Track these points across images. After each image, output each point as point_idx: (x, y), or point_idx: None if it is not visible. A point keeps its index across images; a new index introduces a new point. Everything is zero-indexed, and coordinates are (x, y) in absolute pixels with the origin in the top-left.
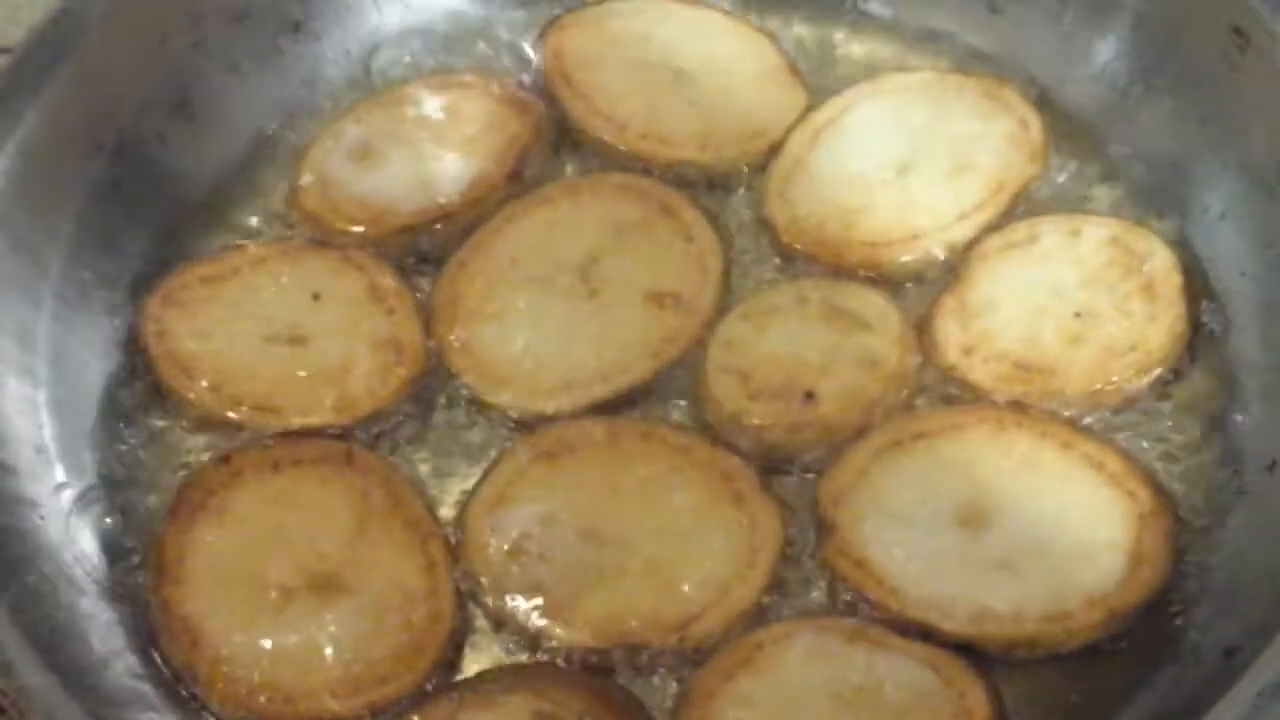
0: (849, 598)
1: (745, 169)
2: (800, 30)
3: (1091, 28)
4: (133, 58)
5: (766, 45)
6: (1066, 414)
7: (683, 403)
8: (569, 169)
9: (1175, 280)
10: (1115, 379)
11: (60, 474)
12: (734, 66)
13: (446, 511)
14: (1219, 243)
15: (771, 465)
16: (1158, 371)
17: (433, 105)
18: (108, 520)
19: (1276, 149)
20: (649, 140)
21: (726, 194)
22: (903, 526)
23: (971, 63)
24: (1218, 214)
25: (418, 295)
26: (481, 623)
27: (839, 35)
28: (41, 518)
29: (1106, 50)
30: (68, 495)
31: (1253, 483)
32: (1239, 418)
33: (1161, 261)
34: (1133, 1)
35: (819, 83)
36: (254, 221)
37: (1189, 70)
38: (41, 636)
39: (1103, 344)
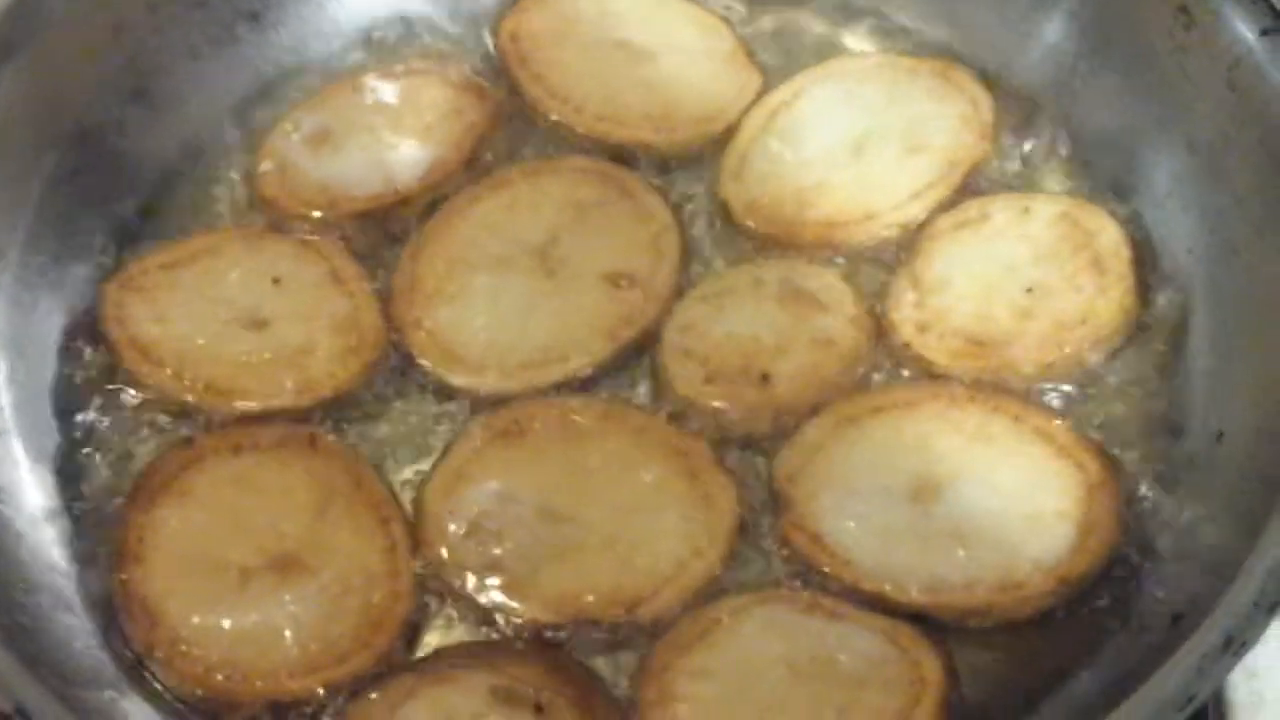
0: (804, 571)
1: (701, 151)
2: (755, 14)
3: (1039, 8)
4: (90, 46)
5: (722, 28)
6: (1019, 388)
7: (642, 383)
8: (527, 153)
9: (1124, 255)
10: (1067, 352)
11: (20, 456)
12: (690, 49)
13: (407, 492)
14: (1167, 219)
15: (728, 443)
16: (1108, 344)
17: (390, 92)
18: (69, 502)
19: (1221, 126)
20: (605, 122)
21: (683, 176)
22: (857, 500)
23: (922, 45)
24: (1165, 191)
25: (377, 279)
26: (441, 601)
27: (793, 20)
28: (0, 500)
29: (1054, 30)
30: (28, 477)
31: (1200, 454)
32: (1187, 390)
33: (1110, 237)
34: None
35: (774, 66)
36: (214, 208)
37: (1135, 49)
38: (1, 616)
39: (1054, 318)
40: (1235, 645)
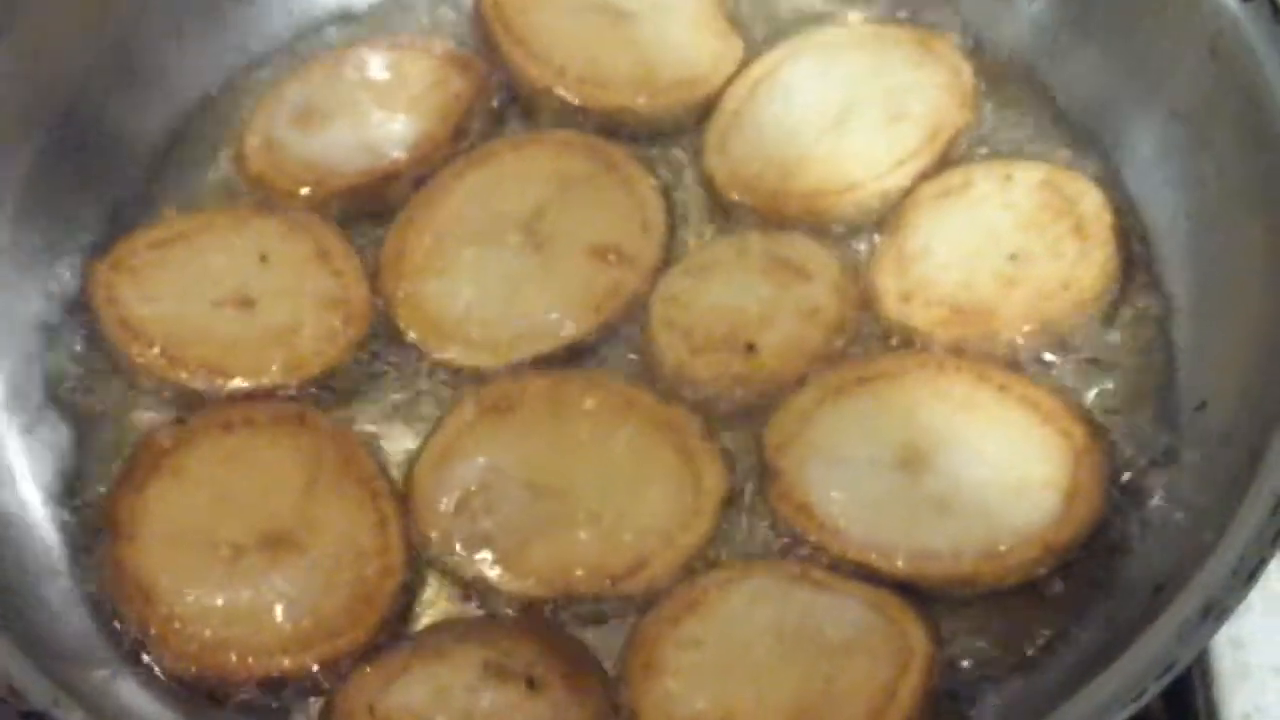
0: (792, 541)
1: (683, 122)
2: None
3: None
4: (75, 24)
5: None
6: (1004, 355)
7: (631, 356)
8: (513, 127)
9: (1106, 219)
10: (1051, 317)
11: (11, 437)
12: (672, 13)
13: (396, 468)
14: (1150, 186)
15: (716, 414)
16: (1092, 309)
17: (375, 66)
18: (59, 481)
19: (1203, 94)
20: (587, 84)
21: (666, 148)
22: (844, 470)
23: (905, 14)
24: (1148, 158)
25: (364, 255)
26: (432, 577)
27: None
28: None
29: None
30: (17, 458)
31: (1184, 422)
32: (1171, 358)
33: (1092, 201)
34: None
35: (756, 35)
36: (200, 186)
37: (1117, 17)
38: None
39: (1036, 285)
40: (1215, 613)
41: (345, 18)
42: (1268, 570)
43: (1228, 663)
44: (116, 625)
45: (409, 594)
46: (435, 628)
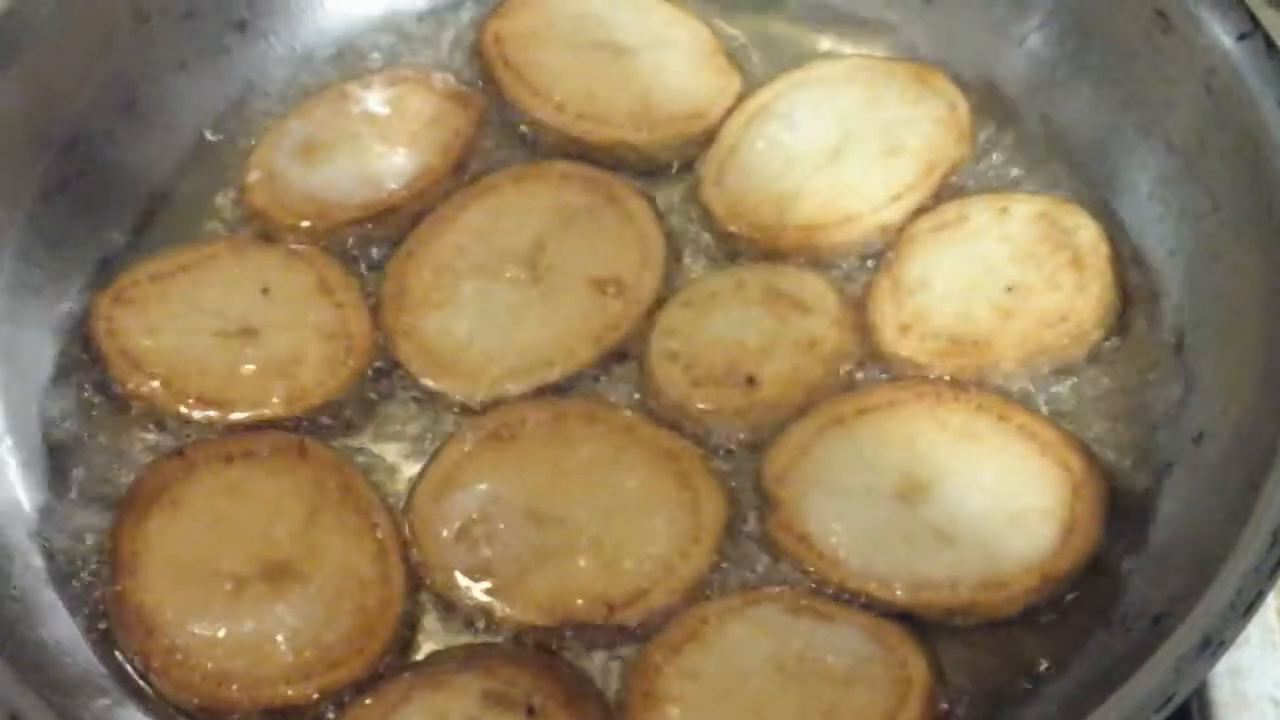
0: (792, 571)
1: (681, 156)
2: (733, 18)
3: (1018, 13)
4: (80, 58)
5: (702, 30)
6: (1002, 386)
7: (630, 387)
8: (513, 160)
9: (1102, 251)
10: (1048, 349)
11: (12, 467)
12: (670, 49)
13: (397, 498)
14: (1147, 220)
15: (715, 444)
16: (1089, 341)
17: (376, 101)
18: (61, 513)
19: (1198, 129)
20: (586, 120)
21: (665, 182)
22: (844, 500)
23: (900, 49)
24: (1145, 193)
25: (365, 287)
26: (432, 606)
27: (771, 24)
28: None
29: (1033, 34)
30: (20, 488)
31: (1181, 455)
32: (1169, 390)
33: (1088, 234)
34: None
35: (752, 70)
36: (203, 218)
37: (1114, 53)
38: None
39: (1034, 316)
40: (1213, 645)
41: (347, 53)
42: (1266, 602)
43: (1225, 692)
44: (118, 655)
45: (410, 623)
46: (436, 656)
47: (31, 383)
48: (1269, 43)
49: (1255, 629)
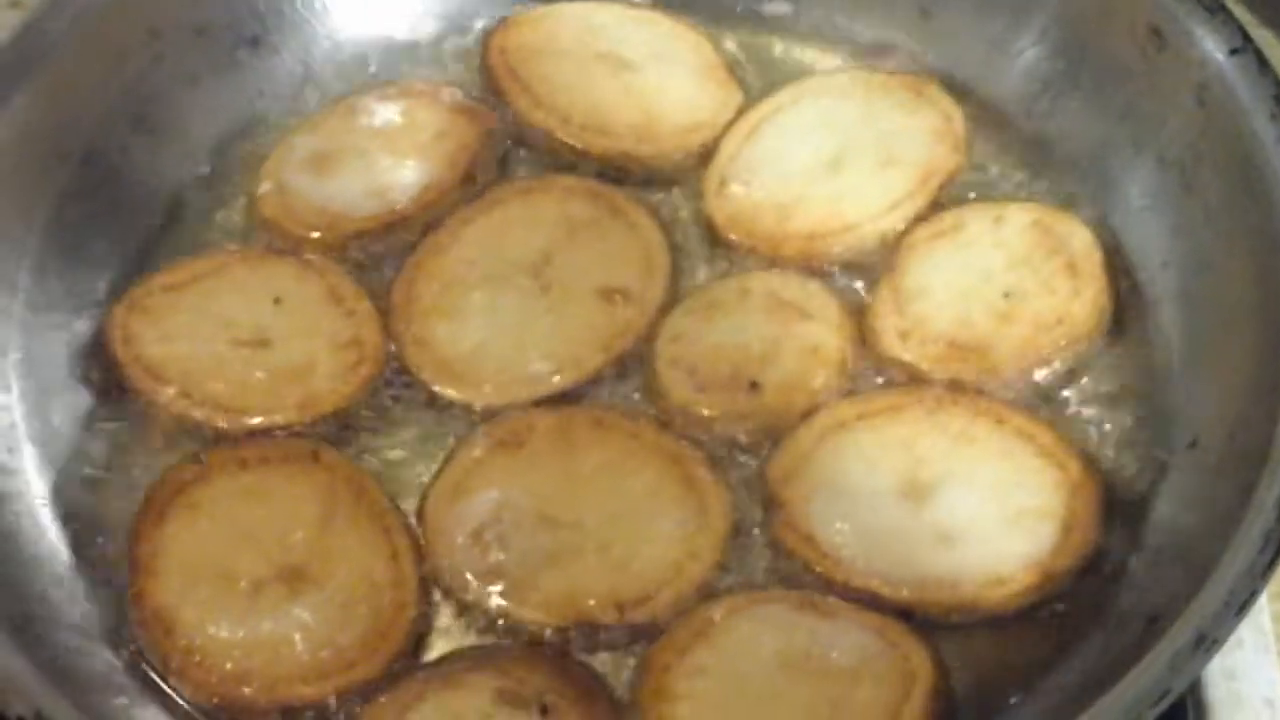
0: (797, 571)
1: (683, 168)
2: (732, 33)
3: (1014, 28)
4: (95, 73)
5: (704, 44)
6: (1000, 390)
7: (635, 394)
8: (519, 173)
9: (1096, 256)
10: (1045, 352)
11: (32, 472)
12: (673, 63)
13: (409, 502)
14: (1140, 232)
15: (721, 448)
16: (1085, 343)
17: (385, 114)
18: (81, 518)
19: (1191, 142)
20: (589, 131)
21: (668, 192)
22: (847, 501)
23: (897, 62)
24: (1138, 205)
25: (376, 296)
26: (445, 608)
27: (769, 39)
28: (15, 513)
29: (1030, 49)
30: (40, 492)
31: (1176, 459)
32: (1163, 396)
33: (1082, 240)
34: (1054, 3)
35: (754, 83)
36: (217, 230)
37: (1108, 68)
38: (17, 624)
39: (1031, 321)
40: (1207, 643)
41: (357, 67)
42: (1260, 606)
43: (1221, 693)
44: (137, 655)
45: (423, 625)
46: (449, 657)
47: (51, 390)
48: (1260, 58)
49: (1250, 632)
